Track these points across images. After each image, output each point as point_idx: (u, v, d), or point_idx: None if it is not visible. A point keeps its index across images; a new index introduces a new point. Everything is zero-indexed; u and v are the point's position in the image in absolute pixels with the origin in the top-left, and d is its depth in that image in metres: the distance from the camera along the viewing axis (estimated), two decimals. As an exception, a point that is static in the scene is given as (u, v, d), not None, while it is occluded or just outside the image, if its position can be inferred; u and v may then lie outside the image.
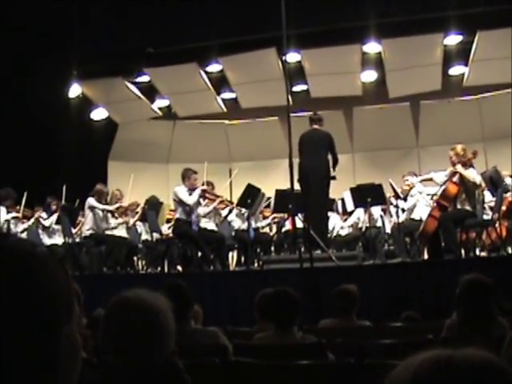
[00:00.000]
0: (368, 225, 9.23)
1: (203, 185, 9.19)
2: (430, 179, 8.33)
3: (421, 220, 8.43)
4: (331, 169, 8.16)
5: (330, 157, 8.22)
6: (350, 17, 10.41)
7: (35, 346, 0.83)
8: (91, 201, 8.99)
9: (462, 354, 0.83)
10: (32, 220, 9.88)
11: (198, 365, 2.85)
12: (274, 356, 3.39)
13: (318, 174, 7.96)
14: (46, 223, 9.92)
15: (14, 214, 9.52)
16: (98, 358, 2.18)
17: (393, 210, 9.41)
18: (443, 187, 7.83)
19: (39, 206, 10.24)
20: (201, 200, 8.85)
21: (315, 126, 8.44)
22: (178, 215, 8.62)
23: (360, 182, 9.24)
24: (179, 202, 8.51)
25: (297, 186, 7.76)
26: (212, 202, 9.17)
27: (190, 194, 8.51)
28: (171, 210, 9.70)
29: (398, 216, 8.85)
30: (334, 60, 10.98)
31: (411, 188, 9.16)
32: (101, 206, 8.99)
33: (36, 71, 11.01)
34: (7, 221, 9.35)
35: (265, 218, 10.40)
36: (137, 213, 10.08)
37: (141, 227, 10.27)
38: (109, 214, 9.23)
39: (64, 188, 9.99)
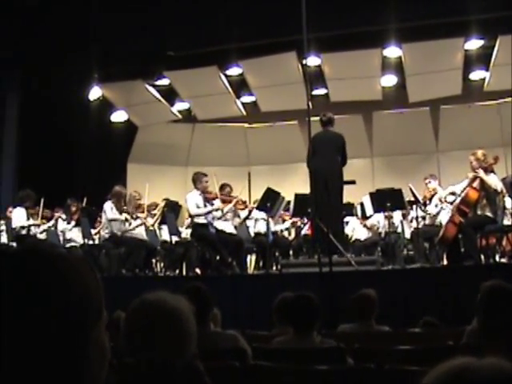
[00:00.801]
0: (387, 230, 9.18)
1: (221, 188, 9.20)
2: (453, 193, 8.20)
3: (441, 225, 8.37)
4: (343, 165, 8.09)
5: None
6: (371, 21, 10.39)
7: (64, 348, 0.83)
8: (107, 207, 9.00)
9: (478, 366, 0.82)
10: (52, 221, 9.95)
11: (217, 368, 2.85)
12: (292, 360, 3.39)
13: (331, 177, 7.90)
14: (66, 227, 10.01)
15: (32, 222, 9.54)
16: (118, 360, 2.19)
17: (412, 215, 9.35)
18: (463, 193, 7.77)
19: (59, 207, 10.31)
20: (216, 203, 8.84)
21: (327, 128, 8.36)
22: (195, 219, 8.67)
23: (379, 187, 9.18)
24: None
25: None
26: (228, 202, 9.14)
27: (205, 198, 8.54)
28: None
29: (417, 221, 8.79)
30: (353, 64, 10.95)
31: (434, 193, 9.06)
32: (110, 216, 8.94)
33: (57, 74, 11.12)
34: (24, 227, 9.39)
35: (284, 221, 10.39)
36: (155, 214, 10.10)
37: (160, 229, 10.29)
38: (127, 216, 9.24)
39: (85, 199, 10.08)
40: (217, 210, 8.66)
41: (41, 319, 0.82)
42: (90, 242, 9.48)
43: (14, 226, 9.40)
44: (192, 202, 8.59)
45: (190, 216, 8.96)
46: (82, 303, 0.86)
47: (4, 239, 10.05)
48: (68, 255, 0.91)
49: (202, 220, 8.57)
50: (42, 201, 9.65)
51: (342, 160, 8.05)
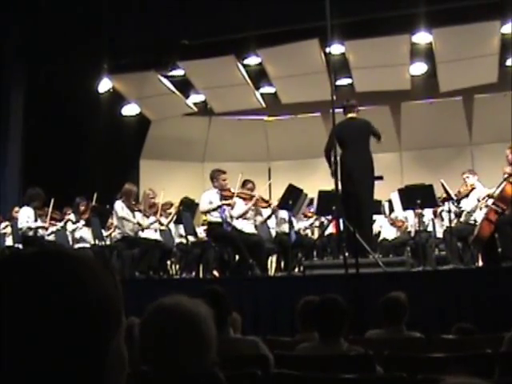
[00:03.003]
0: (417, 228, 9.12)
1: (243, 184, 9.21)
2: (491, 196, 8.09)
3: (475, 223, 8.29)
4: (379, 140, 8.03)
5: (371, 147, 8.06)
6: (398, 5, 10.32)
7: (81, 359, 0.83)
8: (117, 207, 9.03)
9: None
10: (61, 223, 9.96)
11: (238, 376, 2.86)
12: (318, 368, 3.37)
13: (361, 172, 7.83)
14: (75, 226, 10.04)
15: (40, 224, 9.51)
16: (133, 370, 2.20)
17: (445, 212, 9.28)
18: (500, 188, 7.69)
19: (68, 206, 10.34)
20: (239, 202, 8.85)
21: (351, 115, 8.25)
22: (210, 218, 8.69)
23: (408, 183, 9.13)
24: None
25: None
26: (248, 200, 9.14)
27: (222, 196, 8.55)
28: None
29: (449, 219, 8.72)
30: (380, 51, 10.88)
31: (472, 189, 8.95)
32: (124, 214, 8.97)
33: (64, 65, 11.17)
34: (31, 229, 9.37)
35: (307, 218, 10.37)
36: (170, 214, 10.15)
37: (175, 229, 10.33)
38: (139, 217, 9.26)
39: (95, 195, 10.11)
40: (228, 205, 8.66)
41: (55, 329, 0.81)
42: (101, 243, 9.52)
43: (19, 227, 9.35)
44: (205, 199, 8.61)
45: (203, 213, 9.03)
46: (101, 310, 0.85)
47: (9, 242, 10.11)
48: (84, 256, 0.90)
49: (216, 218, 8.58)
50: (52, 201, 9.64)
51: (377, 138, 7.95)
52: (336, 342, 3.66)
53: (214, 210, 8.57)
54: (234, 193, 8.82)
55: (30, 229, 9.36)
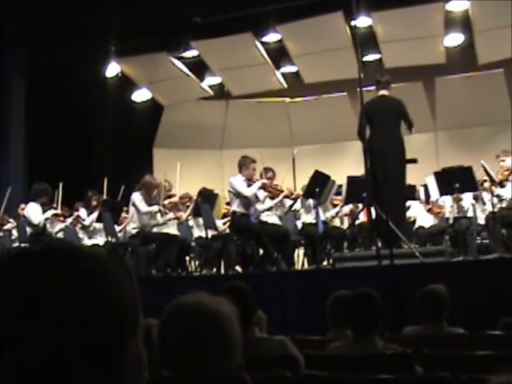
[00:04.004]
0: (456, 215, 9.07)
1: (261, 175, 9.21)
2: None
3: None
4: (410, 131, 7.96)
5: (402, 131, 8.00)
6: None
7: (96, 363, 0.83)
8: (136, 198, 9.03)
9: None
10: (70, 219, 9.98)
11: (265, 379, 2.87)
12: (351, 368, 3.38)
13: (392, 155, 7.78)
14: (86, 222, 10.00)
15: (53, 211, 9.47)
16: (152, 373, 2.21)
17: (486, 197, 9.20)
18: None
19: (78, 201, 10.37)
20: (260, 194, 8.87)
21: (383, 92, 8.15)
22: (234, 208, 8.68)
23: (445, 165, 9.08)
24: (236, 194, 8.56)
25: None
26: (275, 195, 9.15)
27: (249, 186, 8.55)
28: (227, 203, 9.76)
29: (492, 204, 8.65)
30: (411, 23, 10.80)
31: (510, 174, 8.88)
32: (144, 209, 8.99)
33: (68, 49, 11.20)
34: (47, 219, 9.39)
35: (334, 206, 10.35)
36: (188, 207, 10.18)
37: (193, 223, 10.35)
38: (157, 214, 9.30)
39: (105, 181, 10.13)
40: (264, 189, 8.70)
41: (66, 331, 0.82)
42: (114, 240, 9.58)
43: (35, 223, 9.20)
44: (240, 182, 8.57)
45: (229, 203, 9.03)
46: (117, 311, 0.85)
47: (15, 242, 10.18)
48: (98, 253, 0.90)
49: (241, 209, 8.59)
50: (61, 195, 9.61)
51: (408, 125, 7.91)
52: (370, 341, 3.66)
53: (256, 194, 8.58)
54: (278, 189, 8.88)
55: (46, 219, 9.31)
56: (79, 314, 0.82)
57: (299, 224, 9.94)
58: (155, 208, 9.10)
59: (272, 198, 9.24)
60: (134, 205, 9.05)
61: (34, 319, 0.82)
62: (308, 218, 9.81)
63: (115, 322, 0.85)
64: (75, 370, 0.82)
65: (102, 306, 0.84)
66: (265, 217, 9.04)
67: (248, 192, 8.52)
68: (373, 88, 8.28)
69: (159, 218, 9.34)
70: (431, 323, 4.58)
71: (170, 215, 9.59)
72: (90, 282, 0.85)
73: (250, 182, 8.65)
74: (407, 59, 11.65)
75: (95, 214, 9.81)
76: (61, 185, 9.60)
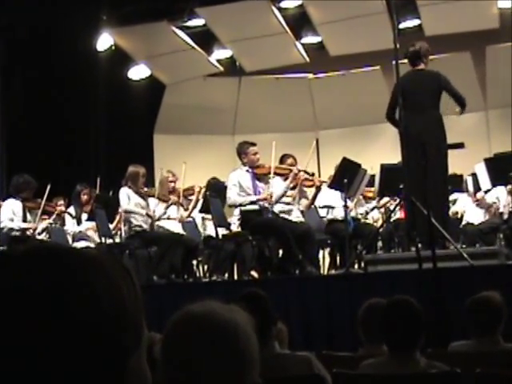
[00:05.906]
0: (512, 209, 9.06)
1: (281, 160, 9.19)
2: None
3: None
4: (459, 110, 7.92)
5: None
6: None
7: (92, 380, 0.83)
8: (123, 195, 9.07)
9: None
10: (53, 217, 9.88)
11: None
12: (389, 390, 3.38)
13: (431, 138, 7.75)
14: (75, 228, 10.00)
15: (26, 225, 9.37)
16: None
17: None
18: None
19: (59, 197, 10.17)
20: (279, 180, 8.85)
21: (419, 66, 8.12)
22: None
23: (498, 151, 9.04)
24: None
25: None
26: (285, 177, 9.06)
27: (254, 176, 8.56)
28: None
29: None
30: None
31: None
32: (124, 207, 9.01)
33: (52, 19, 11.19)
34: (13, 229, 9.33)
35: (368, 199, 10.31)
36: (191, 201, 10.12)
37: (201, 220, 10.35)
38: (153, 204, 9.31)
39: (98, 181, 10.14)
40: (264, 199, 8.65)
41: (59, 348, 0.82)
42: (110, 241, 9.60)
43: (1, 226, 9.23)
44: (231, 185, 8.65)
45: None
46: (116, 323, 0.85)
47: None
48: (93, 254, 0.90)
49: (251, 206, 8.60)
50: (47, 191, 9.51)
51: (457, 101, 7.86)
52: (410, 357, 3.65)
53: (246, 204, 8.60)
54: (269, 168, 8.79)
55: (12, 230, 9.28)
56: (67, 328, 0.82)
57: (325, 220, 9.87)
58: (140, 210, 9.11)
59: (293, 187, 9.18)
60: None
61: (14, 331, 0.82)
62: (335, 213, 9.78)
63: (113, 337, 0.85)
64: None
65: (97, 318, 0.84)
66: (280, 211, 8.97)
67: (232, 199, 8.61)
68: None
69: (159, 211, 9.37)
70: (483, 337, 4.57)
71: (172, 211, 9.61)
72: (80, 287, 0.84)
73: (254, 169, 8.64)
74: (452, 25, 11.61)
75: (84, 222, 9.80)
76: (48, 187, 9.50)
